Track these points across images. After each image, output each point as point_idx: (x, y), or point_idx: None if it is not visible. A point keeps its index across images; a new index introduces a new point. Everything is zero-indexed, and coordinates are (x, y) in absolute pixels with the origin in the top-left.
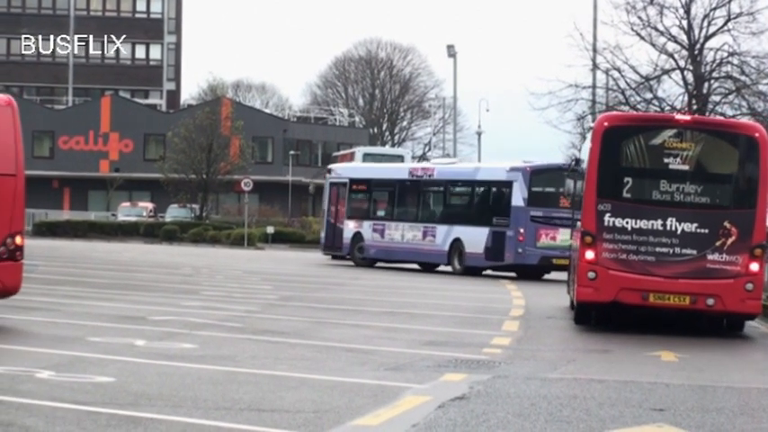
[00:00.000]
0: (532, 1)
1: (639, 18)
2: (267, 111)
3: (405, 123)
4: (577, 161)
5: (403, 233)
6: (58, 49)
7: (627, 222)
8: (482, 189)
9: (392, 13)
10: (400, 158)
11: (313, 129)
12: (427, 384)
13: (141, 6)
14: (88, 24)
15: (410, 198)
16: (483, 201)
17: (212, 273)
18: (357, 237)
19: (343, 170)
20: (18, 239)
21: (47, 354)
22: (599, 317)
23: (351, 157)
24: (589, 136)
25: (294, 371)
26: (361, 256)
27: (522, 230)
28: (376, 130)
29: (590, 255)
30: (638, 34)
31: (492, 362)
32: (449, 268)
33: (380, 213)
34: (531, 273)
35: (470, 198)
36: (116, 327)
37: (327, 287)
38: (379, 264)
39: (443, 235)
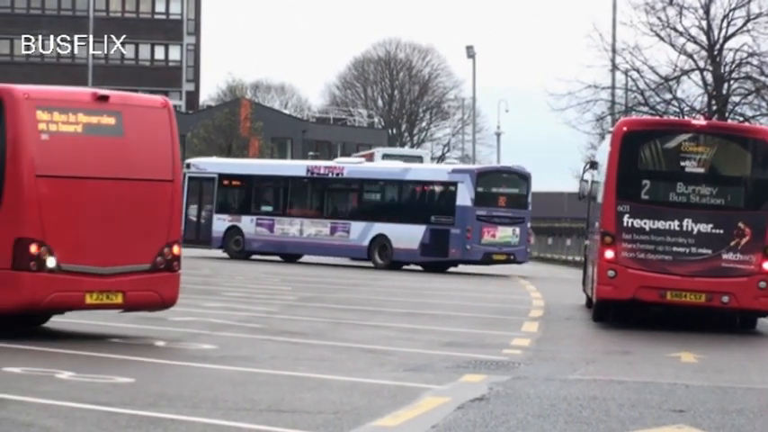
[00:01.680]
0: (551, 2)
1: (659, 18)
2: (286, 112)
3: (424, 124)
4: (593, 163)
5: (302, 228)
6: (76, 49)
7: (645, 223)
8: (415, 188)
9: (411, 13)
10: (419, 159)
11: (332, 129)
12: (447, 385)
13: (160, 7)
14: (107, 25)
15: (312, 195)
16: (416, 200)
17: (232, 274)
18: (233, 230)
19: (207, 165)
20: (176, 249)
21: (67, 354)
22: (617, 314)
23: (370, 158)
24: (607, 139)
25: (314, 371)
26: (238, 249)
27: (469, 228)
28: (395, 130)
29: (610, 254)
30: (658, 35)
31: (512, 363)
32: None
33: (267, 209)
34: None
35: (398, 197)
36: (136, 327)
37: (347, 288)
38: (255, 256)
39: (360, 231)
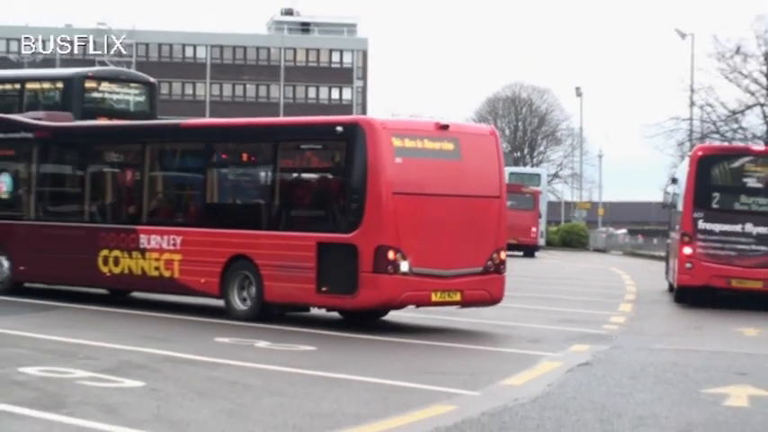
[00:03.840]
0: (643, 51)
1: (728, 64)
2: None
3: (541, 149)
4: (674, 179)
5: None
6: (271, 92)
7: (715, 226)
8: None
9: (532, 60)
10: (537, 176)
11: None
12: (559, 353)
13: (336, 58)
14: (295, 73)
15: None
16: None
17: None
18: None
19: None
20: (502, 255)
21: (263, 328)
22: (693, 297)
23: None
24: (686, 161)
25: (456, 342)
26: None
27: None
28: (519, 153)
29: (688, 250)
30: (727, 77)
31: (610, 336)
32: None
33: None
34: None
35: None
36: None
37: None
38: None
39: None
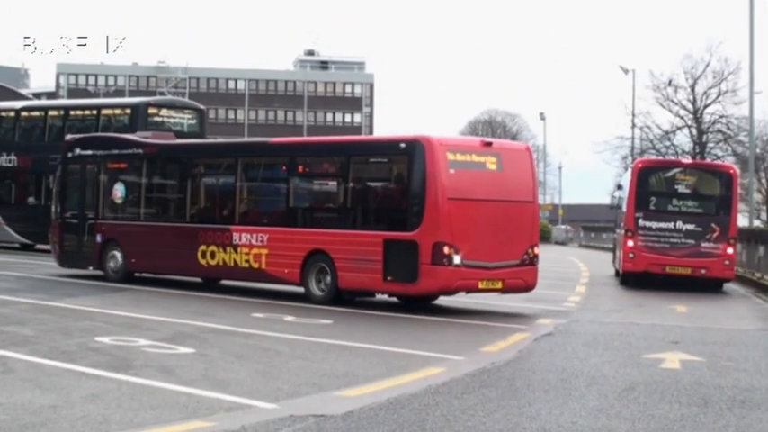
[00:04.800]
0: (594, 83)
1: (662, 94)
2: None
3: None
4: (619, 186)
5: None
6: (297, 117)
7: (652, 224)
8: None
9: (505, 91)
10: None
11: None
12: (527, 326)
13: (348, 89)
14: (316, 101)
15: None
16: None
17: None
18: None
19: None
20: (536, 249)
21: (290, 306)
22: (635, 281)
23: None
24: (629, 171)
25: (445, 318)
26: None
27: None
28: None
29: (630, 243)
30: (661, 104)
31: (568, 311)
32: None
33: None
34: None
35: None
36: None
37: None
38: None
39: None
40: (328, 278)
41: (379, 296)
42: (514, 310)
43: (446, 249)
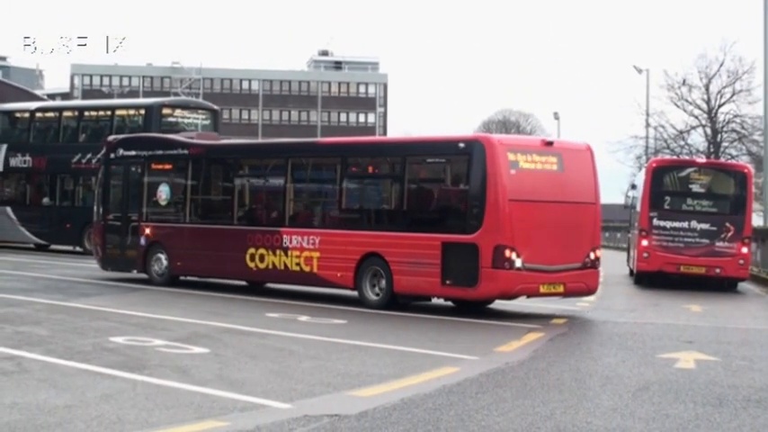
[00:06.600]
0: (609, 82)
1: (676, 93)
2: None
3: None
4: (634, 186)
5: None
6: (311, 117)
7: (667, 223)
8: None
9: (520, 90)
10: None
11: None
12: (542, 325)
13: (362, 89)
14: (330, 101)
15: None
16: None
17: None
18: None
19: None
20: (597, 252)
21: (305, 306)
22: (649, 280)
23: None
24: (643, 171)
25: (459, 318)
26: None
27: None
28: None
29: (645, 243)
30: (675, 104)
31: (583, 311)
32: None
33: None
34: None
35: None
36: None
37: None
38: None
39: None
40: (383, 282)
41: (434, 300)
42: (529, 309)
43: (507, 252)
